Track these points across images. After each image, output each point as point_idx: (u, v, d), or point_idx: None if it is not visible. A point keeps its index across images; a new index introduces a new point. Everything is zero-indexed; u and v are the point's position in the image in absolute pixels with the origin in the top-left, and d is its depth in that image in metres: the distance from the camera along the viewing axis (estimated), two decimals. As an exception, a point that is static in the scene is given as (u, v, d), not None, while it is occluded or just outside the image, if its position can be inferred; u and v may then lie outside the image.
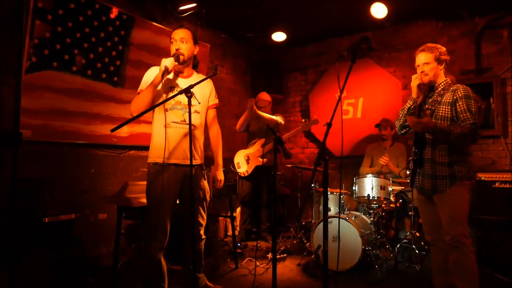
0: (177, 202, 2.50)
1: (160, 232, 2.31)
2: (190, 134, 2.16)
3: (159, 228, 2.30)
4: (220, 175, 2.62)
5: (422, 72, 2.42)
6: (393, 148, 4.24)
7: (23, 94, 2.89)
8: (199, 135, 2.51)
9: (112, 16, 3.49)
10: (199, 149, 2.50)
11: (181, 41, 2.36)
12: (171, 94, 2.32)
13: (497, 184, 3.46)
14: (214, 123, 2.65)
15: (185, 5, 4.13)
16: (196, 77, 2.49)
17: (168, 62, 2.22)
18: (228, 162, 4.96)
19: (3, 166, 2.50)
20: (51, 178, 3.09)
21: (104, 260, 3.47)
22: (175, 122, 2.36)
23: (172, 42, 2.37)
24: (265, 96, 4.39)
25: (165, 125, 2.30)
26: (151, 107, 2.22)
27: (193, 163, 2.35)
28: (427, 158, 2.38)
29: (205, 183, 2.55)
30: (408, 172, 2.57)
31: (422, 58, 2.42)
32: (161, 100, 2.28)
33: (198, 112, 2.48)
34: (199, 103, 2.43)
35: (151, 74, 2.36)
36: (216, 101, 2.65)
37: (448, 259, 2.29)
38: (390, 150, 4.21)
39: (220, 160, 2.63)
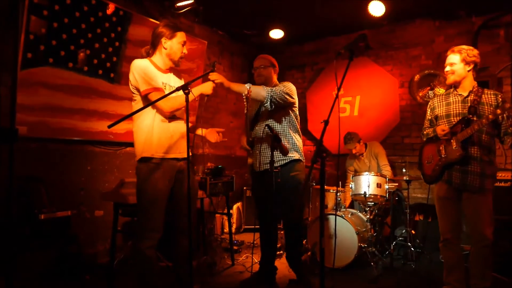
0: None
1: (155, 232, 2.28)
2: (188, 130, 2.16)
3: (155, 227, 2.28)
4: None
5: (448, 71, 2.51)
6: (367, 151, 4.25)
7: (19, 90, 2.87)
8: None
9: (109, 12, 3.46)
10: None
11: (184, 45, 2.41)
12: (166, 91, 2.32)
13: (492, 183, 3.47)
14: None
15: (182, 1, 4.11)
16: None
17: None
18: (227, 160, 4.97)
19: (-2, 162, 2.48)
20: (47, 175, 3.07)
21: (100, 257, 3.47)
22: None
23: (183, 46, 2.39)
24: (262, 56, 3.02)
25: (155, 121, 2.29)
26: (148, 104, 2.17)
27: (184, 157, 2.37)
28: (476, 157, 2.42)
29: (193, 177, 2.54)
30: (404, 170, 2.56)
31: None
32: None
33: None
34: None
35: (148, 68, 2.31)
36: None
37: (473, 251, 2.47)
38: (366, 155, 4.23)
39: None
